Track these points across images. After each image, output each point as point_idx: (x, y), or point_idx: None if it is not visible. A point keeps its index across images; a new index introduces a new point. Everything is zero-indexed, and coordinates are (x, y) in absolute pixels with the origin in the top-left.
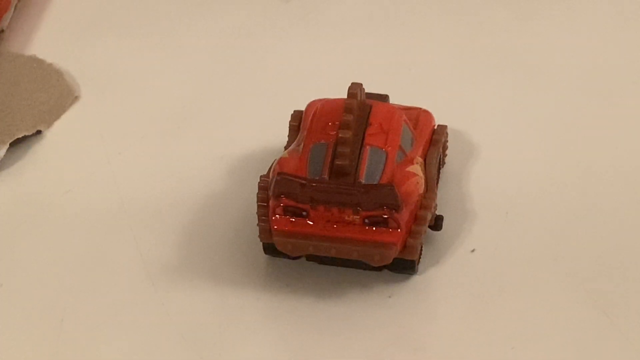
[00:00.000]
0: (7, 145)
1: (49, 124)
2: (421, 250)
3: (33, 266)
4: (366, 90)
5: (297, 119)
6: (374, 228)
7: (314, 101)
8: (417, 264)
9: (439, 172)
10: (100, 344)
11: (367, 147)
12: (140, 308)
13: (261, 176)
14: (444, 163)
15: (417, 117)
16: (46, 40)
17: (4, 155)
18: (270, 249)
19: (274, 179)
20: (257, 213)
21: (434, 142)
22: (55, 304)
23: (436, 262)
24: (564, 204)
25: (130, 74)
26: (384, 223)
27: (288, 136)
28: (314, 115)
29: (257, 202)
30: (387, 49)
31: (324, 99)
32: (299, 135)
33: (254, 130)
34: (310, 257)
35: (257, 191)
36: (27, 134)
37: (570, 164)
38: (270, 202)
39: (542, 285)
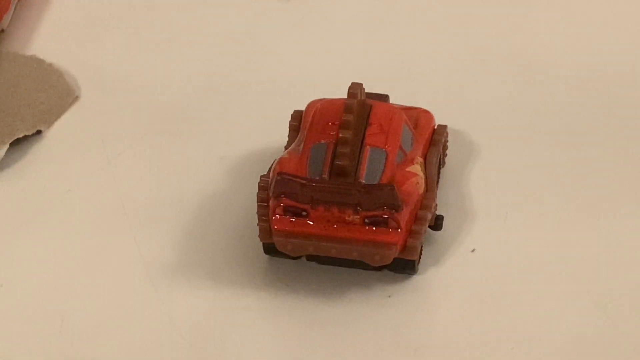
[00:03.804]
0: (7, 145)
1: (49, 124)
2: (421, 250)
3: (33, 266)
4: (366, 90)
5: (297, 119)
6: (374, 228)
7: (314, 101)
8: (417, 264)
9: (439, 172)
10: (100, 344)
11: (367, 147)
12: (140, 308)
13: (261, 176)
14: (444, 163)
15: (417, 117)
16: (46, 40)
17: (4, 155)
18: (270, 249)
19: (274, 179)
20: (257, 213)
21: (434, 142)
22: (55, 304)
23: (436, 262)
24: (563, 204)
25: (130, 74)
26: (384, 223)
27: (288, 136)
28: (314, 115)
29: (257, 202)
30: (387, 49)
31: (324, 99)
32: (299, 135)
33: (254, 130)
34: (310, 257)
35: (257, 191)
36: (27, 134)
37: (571, 164)
38: (271, 202)
39: (542, 285)
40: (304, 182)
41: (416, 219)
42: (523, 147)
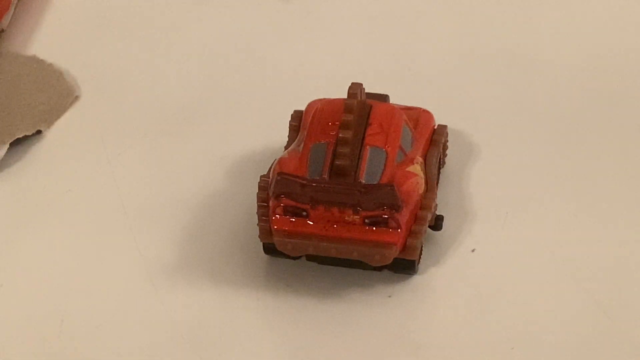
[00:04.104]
0: (7, 145)
1: (49, 124)
2: (421, 250)
3: (33, 266)
4: (366, 90)
5: (297, 119)
6: (374, 228)
7: (314, 101)
8: (417, 264)
9: (439, 172)
10: (100, 344)
11: (367, 147)
12: (140, 308)
13: (261, 176)
14: (444, 163)
15: (417, 117)
16: (46, 40)
17: (4, 155)
18: (270, 249)
19: (274, 179)
20: (257, 213)
21: (434, 142)
22: (55, 304)
23: (436, 262)
24: (563, 204)
25: (130, 74)
26: (384, 223)
27: (288, 136)
28: (314, 115)
29: (257, 202)
30: (387, 49)
31: (324, 99)
32: (299, 135)
33: (254, 130)
34: (310, 257)
35: (257, 191)
36: (27, 134)
37: (571, 163)
38: (271, 202)
39: (542, 285)
40: (304, 182)
41: (416, 219)
42: (523, 147)
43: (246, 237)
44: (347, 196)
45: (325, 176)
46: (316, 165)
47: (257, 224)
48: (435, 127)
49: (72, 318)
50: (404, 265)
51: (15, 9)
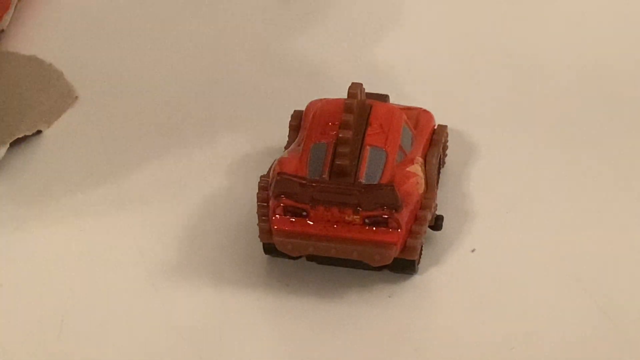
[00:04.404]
0: (7, 145)
1: (49, 124)
2: (421, 250)
3: (33, 266)
4: (366, 90)
5: (297, 119)
6: (374, 228)
7: (314, 101)
8: (417, 264)
9: (439, 172)
10: (100, 344)
11: (367, 147)
12: (140, 308)
13: (261, 176)
14: (444, 163)
15: (417, 117)
16: (46, 40)
17: (4, 155)
18: (270, 249)
19: (274, 179)
20: (257, 213)
21: (434, 142)
22: (55, 304)
23: (436, 262)
24: (563, 204)
25: (130, 74)
26: (384, 223)
27: (288, 136)
28: (314, 115)
29: (257, 202)
30: (387, 49)
31: (324, 99)
32: (299, 135)
33: (254, 130)
34: (310, 257)
35: (257, 191)
36: (27, 134)
37: (571, 163)
38: (271, 202)
39: (542, 285)
40: (304, 182)
41: (416, 219)
42: (523, 147)
43: (246, 237)
44: (347, 196)
45: (325, 176)
46: (316, 165)
47: (257, 224)
48: (435, 127)
49: (72, 318)
50: (404, 265)
51: (15, 9)
